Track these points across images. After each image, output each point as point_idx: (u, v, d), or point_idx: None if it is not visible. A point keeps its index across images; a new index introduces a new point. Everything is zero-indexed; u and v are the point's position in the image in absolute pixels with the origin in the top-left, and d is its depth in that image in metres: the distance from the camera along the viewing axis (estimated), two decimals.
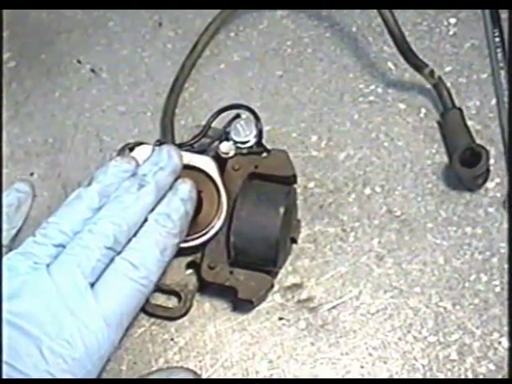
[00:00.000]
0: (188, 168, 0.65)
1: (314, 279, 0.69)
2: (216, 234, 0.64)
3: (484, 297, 0.67)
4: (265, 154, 0.68)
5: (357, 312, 0.67)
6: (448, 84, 0.76)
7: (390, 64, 0.79)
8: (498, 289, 0.67)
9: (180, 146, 0.67)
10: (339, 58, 0.80)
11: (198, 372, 0.64)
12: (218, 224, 0.64)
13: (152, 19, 0.84)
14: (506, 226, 0.70)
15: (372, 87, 0.78)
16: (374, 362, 0.65)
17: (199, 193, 0.63)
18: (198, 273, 0.65)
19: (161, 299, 0.66)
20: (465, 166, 0.69)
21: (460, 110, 0.73)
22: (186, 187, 0.61)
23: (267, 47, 0.82)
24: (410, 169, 0.73)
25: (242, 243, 0.63)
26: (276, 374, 0.65)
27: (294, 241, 0.68)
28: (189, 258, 0.66)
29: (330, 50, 0.81)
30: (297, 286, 0.68)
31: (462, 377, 0.63)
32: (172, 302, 0.68)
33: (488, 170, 0.71)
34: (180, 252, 0.63)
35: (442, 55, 0.79)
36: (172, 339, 0.67)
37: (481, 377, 0.63)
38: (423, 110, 0.76)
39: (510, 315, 0.65)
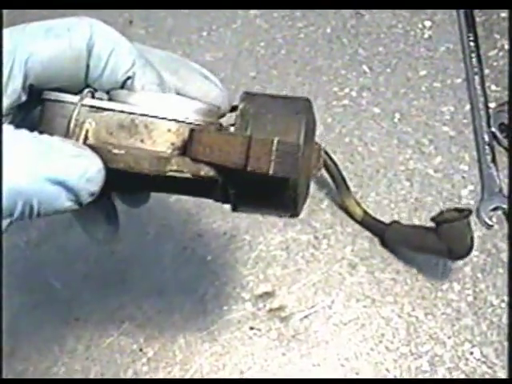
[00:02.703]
0: None
1: (286, 288, 0.68)
2: None
3: (456, 306, 0.66)
4: None
5: (329, 322, 0.66)
6: (423, 88, 0.76)
7: (364, 67, 0.78)
8: (470, 298, 0.67)
9: None
10: (313, 60, 0.79)
11: None
12: None
13: (122, 17, 0.82)
14: (479, 233, 0.69)
15: (346, 90, 0.77)
16: (345, 373, 0.64)
17: None
18: None
19: None
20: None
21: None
22: None
23: (240, 47, 0.80)
24: (384, 175, 0.72)
25: None
26: None
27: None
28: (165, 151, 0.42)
29: (304, 51, 0.79)
30: (268, 295, 0.67)
31: None
32: None
33: None
34: None
35: (416, 58, 0.78)
36: (141, 350, 0.65)
37: None
38: (397, 115, 0.75)
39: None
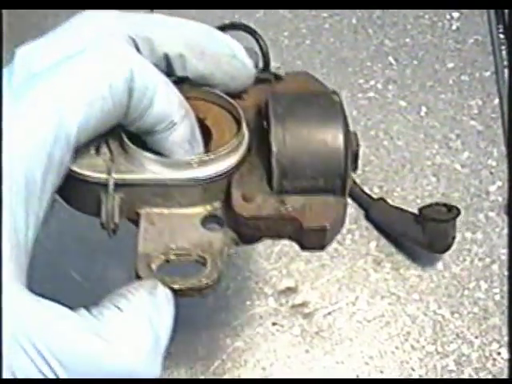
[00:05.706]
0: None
1: (309, 283, 0.66)
2: (243, 158, 0.45)
3: (483, 305, 0.65)
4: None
5: (353, 318, 0.65)
6: (450, 81, 0.75)
7: (390, 58, 0.77)
8: (497, 297, 0.65)
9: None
10: (338, 51, 0.77)
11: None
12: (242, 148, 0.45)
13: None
14: (506, 231, 0.68)
15: (372, 83, 0.75)
16: (369, 371, 0.63)
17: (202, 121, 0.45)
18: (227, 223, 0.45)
19: None
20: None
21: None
22: None
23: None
24: (410, 169, 0.71)
25: (291, 160, 0.44)
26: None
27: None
28: (202, 211, 0.45)
29: (329, 42, 0.78)
30: (291, 290, 0.66)
31: None
32: None
33: None
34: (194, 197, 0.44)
35: (444, 51, 0.77)
36: None
37: None
38: (424, 109, 0.74)
39: (510, 320, 0.64)
